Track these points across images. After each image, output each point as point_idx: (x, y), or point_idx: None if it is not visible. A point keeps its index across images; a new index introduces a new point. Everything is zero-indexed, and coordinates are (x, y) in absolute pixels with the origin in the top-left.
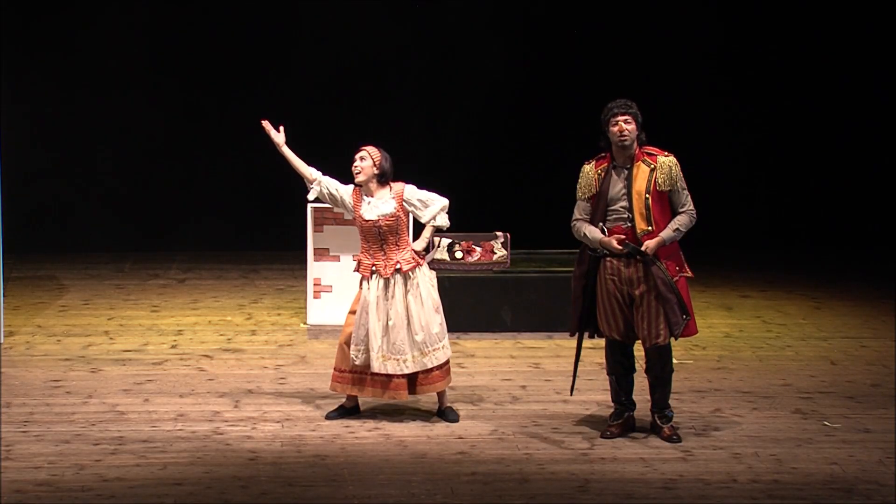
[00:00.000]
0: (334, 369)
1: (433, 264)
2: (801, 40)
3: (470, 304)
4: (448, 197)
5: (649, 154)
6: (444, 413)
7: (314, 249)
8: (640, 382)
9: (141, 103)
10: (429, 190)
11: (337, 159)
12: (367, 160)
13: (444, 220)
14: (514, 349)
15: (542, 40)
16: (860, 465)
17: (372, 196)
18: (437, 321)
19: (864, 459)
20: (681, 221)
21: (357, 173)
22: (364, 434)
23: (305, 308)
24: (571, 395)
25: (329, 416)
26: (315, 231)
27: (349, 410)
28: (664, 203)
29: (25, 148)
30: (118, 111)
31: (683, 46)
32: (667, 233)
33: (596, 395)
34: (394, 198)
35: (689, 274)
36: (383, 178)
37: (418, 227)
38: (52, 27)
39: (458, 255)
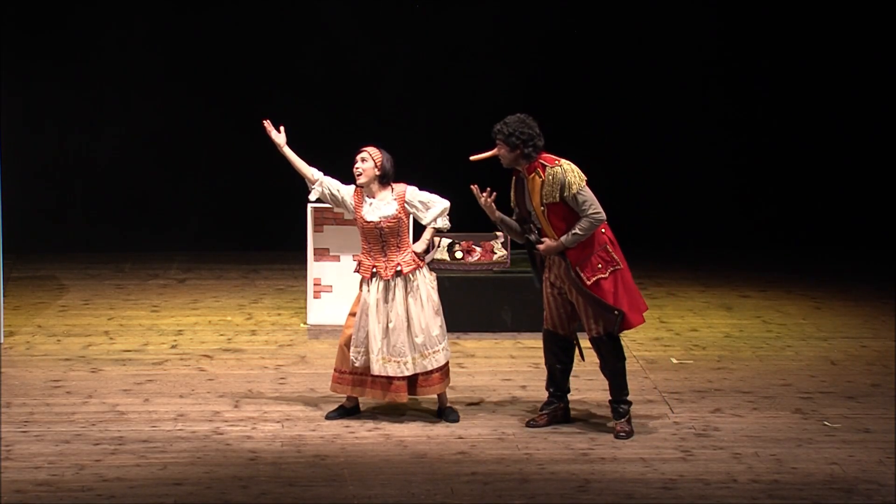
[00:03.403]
0: (334, 370)
1: (433, 264)
2: (801, 40)
3: (470, 304)
4: (448, 197)
5: (542, 166)
6: (445, 413)
7: (314, 249)
8: (640, 381)
9: (141, 103)
10: (430, 191)
11: (338, 161)
12: (368, 161)
13: (445, 223)
14: (514, 349)
15: (543, 42)
16: (860, 465)
17: (373, 197)
18: (437, 324)
19: (864, 459)
20: (580, 226)
21: (358, 175)
22: (364, 434)
23: (305, 308)
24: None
25: (329, 417)
26: (315, 231)
27: (349, 410)
28: (564, 212)
29: (26, 148)
30: (119, 111)
31: (683, 47)
32: (566, 237)
33: (596, 395)
34: (395, 199)
35: (619, 267)
36: (385, 179)
37: (418, 228)
38: (53, 28)
39: (458, 255)
